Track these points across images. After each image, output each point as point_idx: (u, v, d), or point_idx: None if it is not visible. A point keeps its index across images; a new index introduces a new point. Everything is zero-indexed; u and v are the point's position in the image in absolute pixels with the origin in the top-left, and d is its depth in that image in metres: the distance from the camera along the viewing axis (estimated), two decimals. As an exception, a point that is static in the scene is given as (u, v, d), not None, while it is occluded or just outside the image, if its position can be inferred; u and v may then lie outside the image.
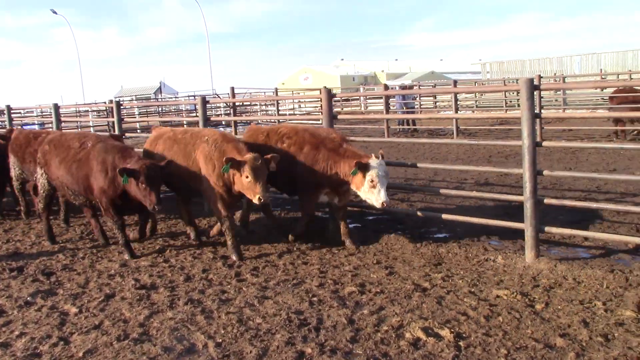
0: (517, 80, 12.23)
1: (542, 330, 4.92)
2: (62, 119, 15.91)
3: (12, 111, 17.94)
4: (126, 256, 7.77)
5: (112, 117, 13.82)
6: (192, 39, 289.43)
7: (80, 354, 4.86)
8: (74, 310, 5.88)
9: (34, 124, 25.80)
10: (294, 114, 34.01)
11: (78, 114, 32.07)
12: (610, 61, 46.65)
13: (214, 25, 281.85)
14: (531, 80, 6.71)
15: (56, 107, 14.95)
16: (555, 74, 42.77)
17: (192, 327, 5.31)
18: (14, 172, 10.14)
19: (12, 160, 10.12)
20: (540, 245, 6.91)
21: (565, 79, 31.01)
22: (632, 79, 26.69)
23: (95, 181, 7.66)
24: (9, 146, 10.19)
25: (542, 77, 22.61)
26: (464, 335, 4.90)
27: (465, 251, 7.29)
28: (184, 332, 5.21)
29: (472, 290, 5.97)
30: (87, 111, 33.51)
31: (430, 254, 7.31)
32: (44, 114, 29.68)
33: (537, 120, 7.02)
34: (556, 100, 28.18)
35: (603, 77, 33.78)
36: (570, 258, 6.96)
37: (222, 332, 5.17)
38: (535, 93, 6.92)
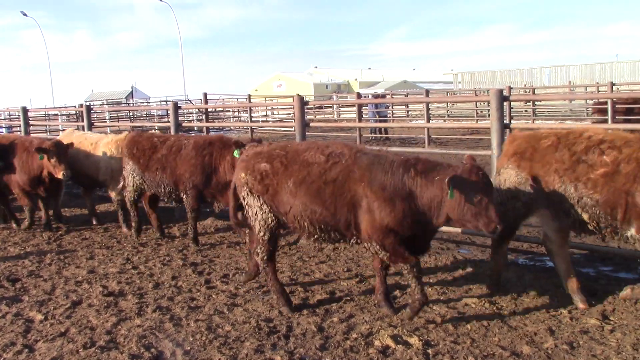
0: (488, 91, 12.39)
1: (509, 338, 4.98)
2: (31, 122, 15.68)
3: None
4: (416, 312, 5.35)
5: (82, 121, 13.65)
6: (165, 44, 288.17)
7: (45, 362, 4.79)
8: (39, 317, 5.78)
9: (0, 127, 25.35)
10: (267, 121, 33.99)
11: (47, 118, 31.59)
12: (578, 73, 47.61)
13: (187, 31, 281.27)
14: (501, 91, 6.83)
15: (24, 111, 14.72)
16: (525, 85, 43.50)
17: (160, 335, 5.25)
18: (130, 180, 8.71)
19: (129, 167, 8.71)
20: (509, 254, 6.99)
21: (535, 90, 31.53)
22: (599, 91, 27.23)
23: (370, 215, 5.18)
24: (124, 149, 8.87)
25: (512, 88, 22.96)
26: (432, 342, 4.93)
27: (435, 260, 7.35)
28: (152, 340, 5.15)
29: (441, 298, 6.02)
30: (57, 115, 32.99)
31: (400, 262, 7.33)
32: (11, 117, 29.18)
33: (507, 131, 7.12)
34: (526, 111, 28.62)
35: (572, 89, 34.42)
36: (537, 267, 7.06)
37: (191, 339, 5.13)
38: (505, 104, 7.04)
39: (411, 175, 5.11)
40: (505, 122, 6.90)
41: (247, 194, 5.82)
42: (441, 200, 5.01)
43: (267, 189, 5.66)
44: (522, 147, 5.80)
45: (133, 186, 8.70)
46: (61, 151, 8.92)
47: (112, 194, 9.72)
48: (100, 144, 9.84)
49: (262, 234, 5.80)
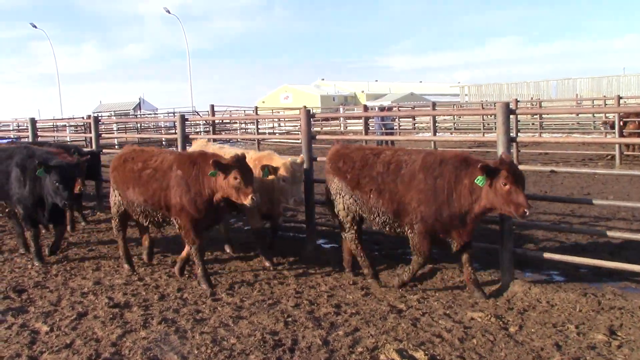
0: (494, 104, 12.39)
1: (516, 353, 4.95)
2: (39, 133, 15.77)
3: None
4: None
5: (90, 132, 13.71)
6: (173, 55, 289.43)
7: (50, 374, 4.78)
8: (45, 328, 5.79)
9: (9, 138, 25.50)
10: (274, 133, 34.06)
11: (55, 129, 31.78)
12: (585, 86, 47.57)
13: (195, 43, 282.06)
14: (507, 104, 6.82)
15: (33, 122, 14.80)
16: (532, 98, 43.46)
17: (165, 347, 5.25)
18: (340, 202, 7.14)
19: (336, 185, 7.20)
20: (515, 268, 6.96)
21: (542, 103, 31.49)
22: (606, 104, 27.16)
23: None
24: (329, 164, 7.35)
25: (519, 101, 22.95)
26: (438, 357, 4.90)
27: (441, 273, 7.32)
28: (157, 352, 5.14)
29: (447, 312, 6.00)
30: (65, 126, 33.20)
31: (406, 276, 7.31)
32: (20, 128, 29.40)
33: (514, 144, 7.11)
34: (533, 124, 28.57)
35: (578, 102, 34.36)
36: (544, 281, 7.02)
37: (196, 352, 5.12)
38: (511, 117, 7.03)
39: None
40: (511, 135, 6.88)
41: None
42: None
43: None
44: None
45: (344, 209, 7.16)
46: (246, 168, 6.83)
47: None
48: None
49: None
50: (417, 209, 6.31)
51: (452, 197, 6.17)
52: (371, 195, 6.70)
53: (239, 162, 6.70)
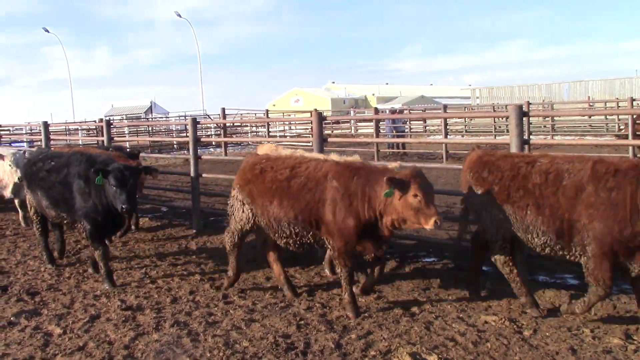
0: (506, 106, 12.33)
1: (530, 357, 4.90)
2: (52, 137, 15.87)
3: (1, 128, 17.87)
4: None
5: (102, 136, 13.78)
6: (184, 59, 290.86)
7: (63, 376, 4.79)
8: (58, 331, 5.80)
9: (22, 141, 25.69)
10: (285, 136, 34.11)
11: (67, 132, 31.97)
12: (597, 89, 47.22)
13: (205, 47, 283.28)
14: (520, 107, 6.79)
15: (46, 125, 14.91)
16: (543, 100, 43.23)
17: (177, 350, 5.24)
18: (489, 217, 5.98)
19: (481, 198, 6.01)
20: (528, 271, 6.90)
21: (554, 105, 31.36)
22: (619, 106, 26.99)
23: None
24: (469, 173, 6.16)
25: (530, 104, 22.87)
26: (452, 361, 4.87)
27: (454, 276, 7.27)
28: (170, 355, 5.14)
29: (461, 315, 5.96)
30: (77, 129, 33.39)
31: (419, 279, 7.29)
32: (33, 131, 29.60)
33: (526, 147, 7.07)
34: (545, 127, 28.44)
35: (591, 104, 34.16)
36: (558, 284, 6.96)
37: (208, 355, 5.12)
38: (524, 119, 6.99)
39: None
40: (524, 137, 6.84)
41: None
42: None
43: None
44: None
45: (495, 226, 5.94)
46: (427, 184, 5.61)
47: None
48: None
49: None
50: (588, 226, 5.23)
51: (635, 212, 5.04)
52: (528, 212, 5.60)
53: (419, 177, 5.55)
